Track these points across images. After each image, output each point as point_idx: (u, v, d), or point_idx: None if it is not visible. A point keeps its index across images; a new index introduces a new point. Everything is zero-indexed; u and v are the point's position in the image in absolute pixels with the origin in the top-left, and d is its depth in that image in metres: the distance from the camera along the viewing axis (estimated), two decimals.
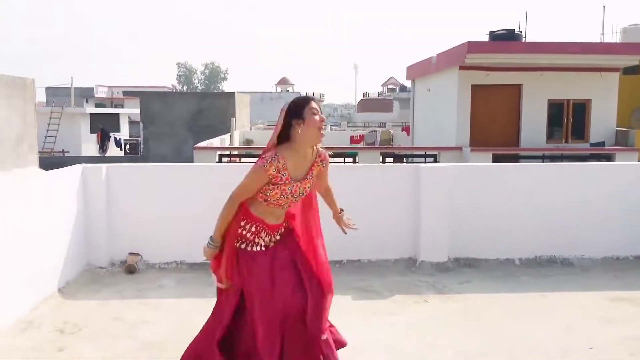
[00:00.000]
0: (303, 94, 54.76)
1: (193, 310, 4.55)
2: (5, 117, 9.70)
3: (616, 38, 21.42)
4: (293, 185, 3.09)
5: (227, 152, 14.64)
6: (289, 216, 3.29)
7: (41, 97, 47.19)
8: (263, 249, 3.17)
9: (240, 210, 3.15)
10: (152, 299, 4.87)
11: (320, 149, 3.24)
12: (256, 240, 3.16)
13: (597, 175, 6.20)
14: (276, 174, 3.03)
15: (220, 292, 3.30)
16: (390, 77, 70.01)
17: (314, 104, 3.06)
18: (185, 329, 4.13)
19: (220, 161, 13.12)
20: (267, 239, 3.18)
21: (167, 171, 6.06)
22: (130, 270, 5.60)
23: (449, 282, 5.36)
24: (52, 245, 4.95)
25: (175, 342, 3.89)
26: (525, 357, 3.75)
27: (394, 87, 64.39)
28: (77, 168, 5.63)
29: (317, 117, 3.02)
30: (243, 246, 3.16)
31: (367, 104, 59.54)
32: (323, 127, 3.05)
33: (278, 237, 3.23)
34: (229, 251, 3.15)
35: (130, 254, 5.72)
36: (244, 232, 3.15)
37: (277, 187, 3.05)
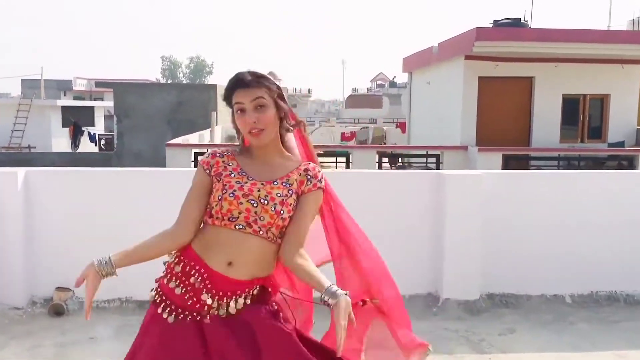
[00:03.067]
0: (290, 89, 53.51)
1: None
2: None
3: (623, 29, 20.34)
4: (247, 183, 1.89)
5: (205, 150, 13.20)
6: (270, 280, 1.95)
7: (17, 89, 45.58)
8: (187, 317, 1.85)
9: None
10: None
11: (309, 163, 2.02)
12: (177, 290, 1.86)
13: None
14: (212, 160, 1.96)
15: None
16: (379, 73, 69.39)
17: (237, 96, 1.89)
18: None
19: (196, 160, 11.70)
20: (206, 296, 1.82)
21: (110, 177, 4.66)
22: (57, 310, 4.24)
23: (485, 331, 4.02)
24: None
25: None
26: None
27: (383, 82, 63.72)
28: None
29: (242, 120, 1.89)
30: (156, 298, 1.93)
31: (355, 100, 58.79)
32: (253, 131, 1.89)
33: (234, 307, 1.83)
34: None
35: (58, 288, 4.32)
36: (168, 270, 1.94)
37: (220, 182, 1.90)
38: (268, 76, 1.91)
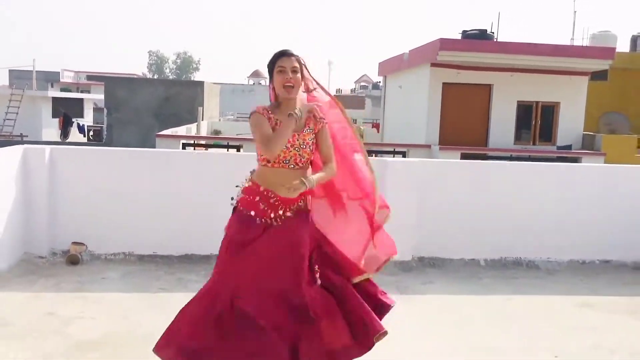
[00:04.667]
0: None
1: (136, 306, 4.22)
2: None
3: (585, 44, 21.61)
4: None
5: (192, 142, 14.21)
6: (307, 191, 2.95)
7: (4, 79, 45.79)
8: (262, 221, 2.89)
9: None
10: (92, 293, 4.51)
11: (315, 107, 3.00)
12: (261, 205, 2.89)
13: (566, 177, 6.06)
14: (266, 113, 2.89)
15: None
16: (363, 75, 70.07)
17: (280, 61, 2.90)
18: (124, 326, 3.81)
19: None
20: (272, 213, 2.88)
21: (119, 155, 5.70)
22: (73, 261, 5.21)
23: (411, 282, 5.13)
24: None
25: (112, 340, 3.56)
26: None
27: (367, 84, 64.40)
28: (18, 148, 5.22)
29: (281, 77, 2.86)
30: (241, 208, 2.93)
31: (339, 101, 59.41)
32: (288, 85, 2.87)
33: (289, 214, 2.91)
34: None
35: (74, 243, 5.32)
36: (245, 198, 2.93)
37: None
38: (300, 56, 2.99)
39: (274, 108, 2.95)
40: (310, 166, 3.00)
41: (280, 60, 2.90)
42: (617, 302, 4.82)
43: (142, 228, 5.44)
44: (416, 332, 3.99)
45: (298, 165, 2.90)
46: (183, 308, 2.93)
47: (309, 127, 2.94)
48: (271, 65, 2.94)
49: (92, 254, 5.34)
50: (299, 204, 2.94)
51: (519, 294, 4.93)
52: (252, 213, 2.89)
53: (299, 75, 2.91)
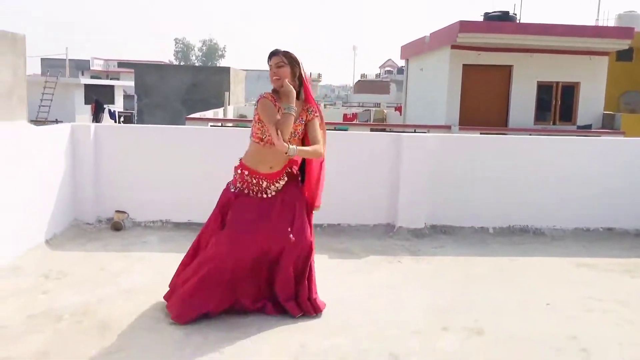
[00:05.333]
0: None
1: (173, 264, 4.67)
2: None
3: (611, 24, 21.45)
4: None
5: (219, 124, 14.74)
6: (291, 162, 3.66)
7: (36, 68, 46.93)
8: (258, 195, 3.64)
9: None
10: (135, 253, 5.05)
11: (310, 105, 3.70)
12: (249, 188, 3.64)
13: (574, 150, 6.37)
14: (273, 100, 3.53)
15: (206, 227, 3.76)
16: (388, 59, 69.87)
17: (270, 60, 3.58)
18: (163, 278, 4.32)
19: None
20: (264, 185, 3.60)
21: (157, 132, 6.20)
22: (116, 227, 5.76)
23: (423, 246, 5.55)
24: (40, 198, 5.12)
25: (153, 288, 4.09)
26: (486, 312, 3.96)
27: (392, 69, 64.28)
28: (67, 126, 5.77)
29: (270, 72, 3.60)
30: (232, 189, 3.67)
31: (364, 86, 59.59)
32: (275, 78, 3.55)
33: (279, 186, 3.65)
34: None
35: (117, 211, 5.89)
36: (237, 178, 3.66)
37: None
38: (290, 52, 3.60)
39: (276, 94, 3.60)
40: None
41: (270, 60, 3.60)
42: (614, 262, 5.17)
43: (177, 198, 5.96)
44: (425, 288, 4.42)
45: None
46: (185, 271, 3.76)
47: (301, 118, 3.62)
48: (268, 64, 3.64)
49: (133, 222, 5.90)
50: (284, 176, 3.66)
51: (523, 256, 5.32)
52: (246, 190, 3.64)
53: (283, 68, 3.55)
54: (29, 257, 4.73)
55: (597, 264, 5.11)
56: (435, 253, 5.36)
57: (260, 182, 3.62)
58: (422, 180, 5.99)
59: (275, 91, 3.62)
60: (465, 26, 13.75)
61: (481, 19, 16.07)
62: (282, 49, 3.58)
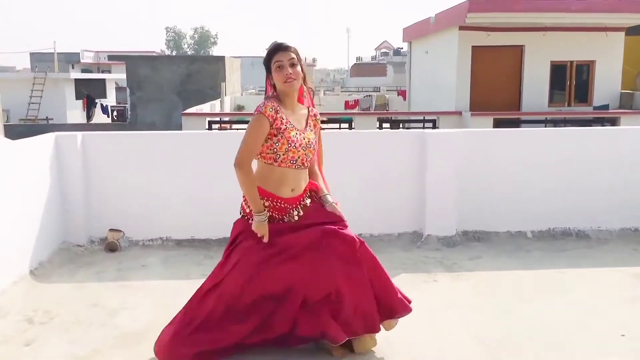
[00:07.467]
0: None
1: (179, 293, 4.08)
2: None
3: None
4: (297, 132, 2.88)
5: (217, 119, 14.09)
6: (310, 184, 3.07)
7: (26, 63, 46.13)
8: (279, 220, 3.03)
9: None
10: (134, 281, 4.44)
11: (314, 109, 3.10)
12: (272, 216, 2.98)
13: (614, 141, 5.75)
14: (274, 114, 2.83)
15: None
16: (384, 41, 69.16)
17: (277, 56, 2.85)
18: (170, 314, 3.72)
19: (210, 128, 12.59)
20: (285, 216, 2.96)
21: (150, 140, 5.58)
22: (111, 248, 5.16)
23: (458, 258, 4.96)
24: (22, 222, 4.49)
25: (159, 329, 3.48)
26: (546, 345, 3.35)
27: (388, 51, 63.66)
28: (50, 136, 5.12)
29: (281, 73, 2.81)
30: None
31: (360, 69, 58.87)
32: (289, 80, 2.86)
33: (300, 211, 2.98)
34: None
35: (111, 230, 5.26)
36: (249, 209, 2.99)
37: (282, 136, 2.83)
38: (296, 47, 2.92)
39: (279, 103, 2.92)
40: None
41: (277, 55, 2.85)
42: None
43: (178, 212, 5.35)
44: (470, 312, 3.83)
45: (304, 165, 2.93)
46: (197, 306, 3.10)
47: (309, 125, 2.98)
48: (268, 61, 2.89)
49: (130, 240, 5.28)
50: (306, 199, 3.00)
51: (572, 267, 4.72)
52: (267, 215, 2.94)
53: (298, 67, 2.86)
54: (11, 293, 4.11)
55: None
56: (473, 267, 4.75)
57: (284, 207, 2.99)
58: (450, 181, 5.37)
59: (275, 96, 2.95)
60: (474, 5, 13.06)
61: None
62: (287, 43, 2.91)
